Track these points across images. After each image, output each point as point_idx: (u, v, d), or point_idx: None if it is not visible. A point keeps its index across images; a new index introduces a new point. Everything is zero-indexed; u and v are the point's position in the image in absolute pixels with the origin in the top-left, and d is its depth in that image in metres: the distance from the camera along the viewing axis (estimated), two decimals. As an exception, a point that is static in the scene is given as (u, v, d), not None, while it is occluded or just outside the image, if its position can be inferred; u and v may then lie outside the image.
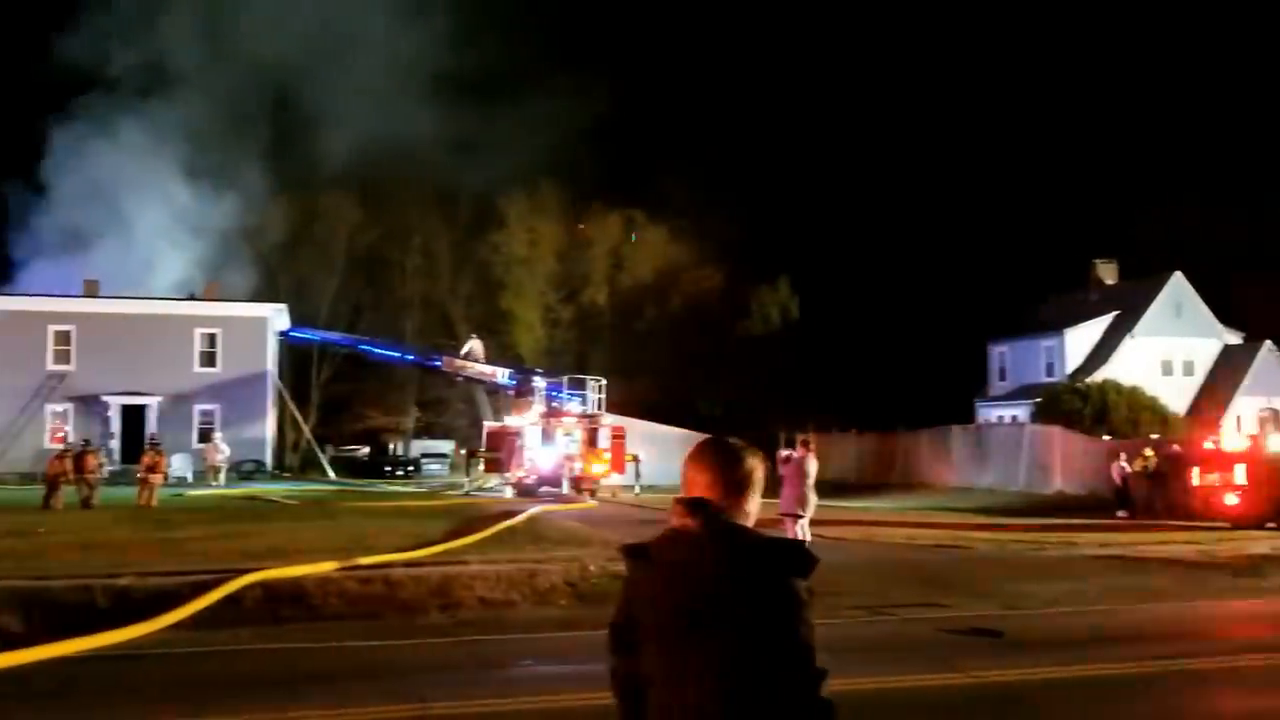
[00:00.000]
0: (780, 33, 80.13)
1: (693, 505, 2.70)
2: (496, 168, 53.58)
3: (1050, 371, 46.47)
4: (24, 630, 10.10)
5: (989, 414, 48.13)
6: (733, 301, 55.27)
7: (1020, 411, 44.36)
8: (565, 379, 34.93)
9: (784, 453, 16.89)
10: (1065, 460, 33.02)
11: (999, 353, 50.83)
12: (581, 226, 55.96)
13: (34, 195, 49.47)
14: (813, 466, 15.46)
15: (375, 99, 53.03)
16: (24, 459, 37.96)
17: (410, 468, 45.89)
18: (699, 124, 66.45)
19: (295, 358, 50.90)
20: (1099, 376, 41.96)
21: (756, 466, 2.78)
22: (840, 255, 56.62)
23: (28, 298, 42.55)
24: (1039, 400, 41.45)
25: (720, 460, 2.76)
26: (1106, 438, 33.28)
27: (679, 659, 2.59)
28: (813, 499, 15.42)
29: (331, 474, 43.22)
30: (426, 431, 56.08)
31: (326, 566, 12.76)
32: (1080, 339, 46.38)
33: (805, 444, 16.62)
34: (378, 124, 51.52)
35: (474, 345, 41.96)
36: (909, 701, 8.01)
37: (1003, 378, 50.26)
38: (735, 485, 2.73)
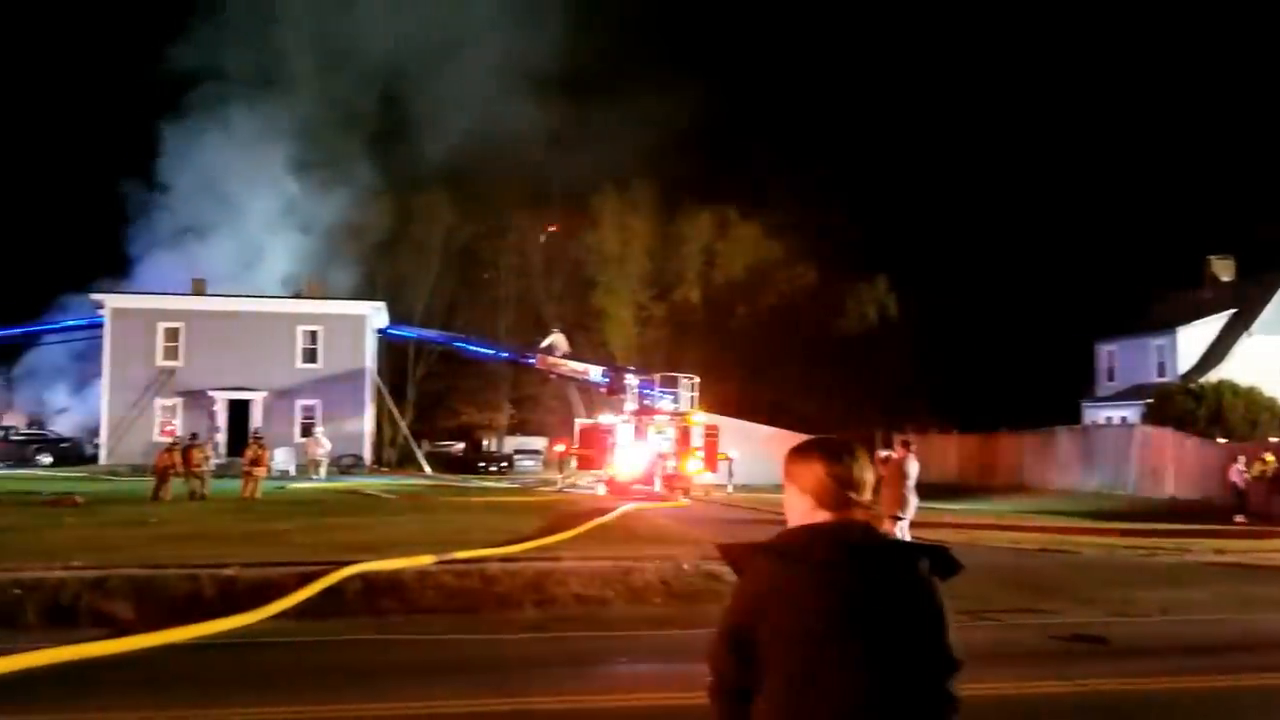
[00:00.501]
0: (875, 23, 78.96)
1: (832, 504, 2.61)
2: (589, 165, 53.88)
3: (1161, 371, 44.82)
4: (135, 617, 10.40)
5: (1097, 415, 46.65)
6: (828, 299, 54.52)
7: (1130, 413, 42.85)
8: (658, 377, 34.89)
9: (883, 453, 16.61)
10: (1178, 464, 31.83)
11: (1107, 352, 49.25)
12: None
13: (147, 194, 51.28)
14: (913, 468, 15.19)
15: (473, 98, 53.78)
16: (134, 452, 39.39)
17: (504, 464, 46.40)
18: (792, 119, 65.71)
19: (392, 354, 51.90)
20: (1213, 377, 40.31)
21: (869, 464, 2.68)
22: (941, 251, 55.40)
23: (139, 295, 44.09)
24: (1150, 401, 39.99)
25: (836, 457, 2.65)
26: (1222, 440, 31.99)
27: (824, 663, 2.48)
28: (913, 501, 15.15)
29: (427, 469, 43.90)
30: (520, 428, 56.71)
31: (424, 560, 12.86)
32: (1193, 338, 44.61)
33: (905, 445, 16.37)
34: (475, 122, 52.25)
35: (556, 338, 42.35)
36: (1011, 709, 7.74)
37: (1111, 378, 48.69)
38: (854, 483, 2.63)
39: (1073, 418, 45.63)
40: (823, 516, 2.62)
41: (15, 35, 68.06)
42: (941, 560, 2.62)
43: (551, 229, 54.69)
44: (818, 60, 74.98)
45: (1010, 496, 33.52)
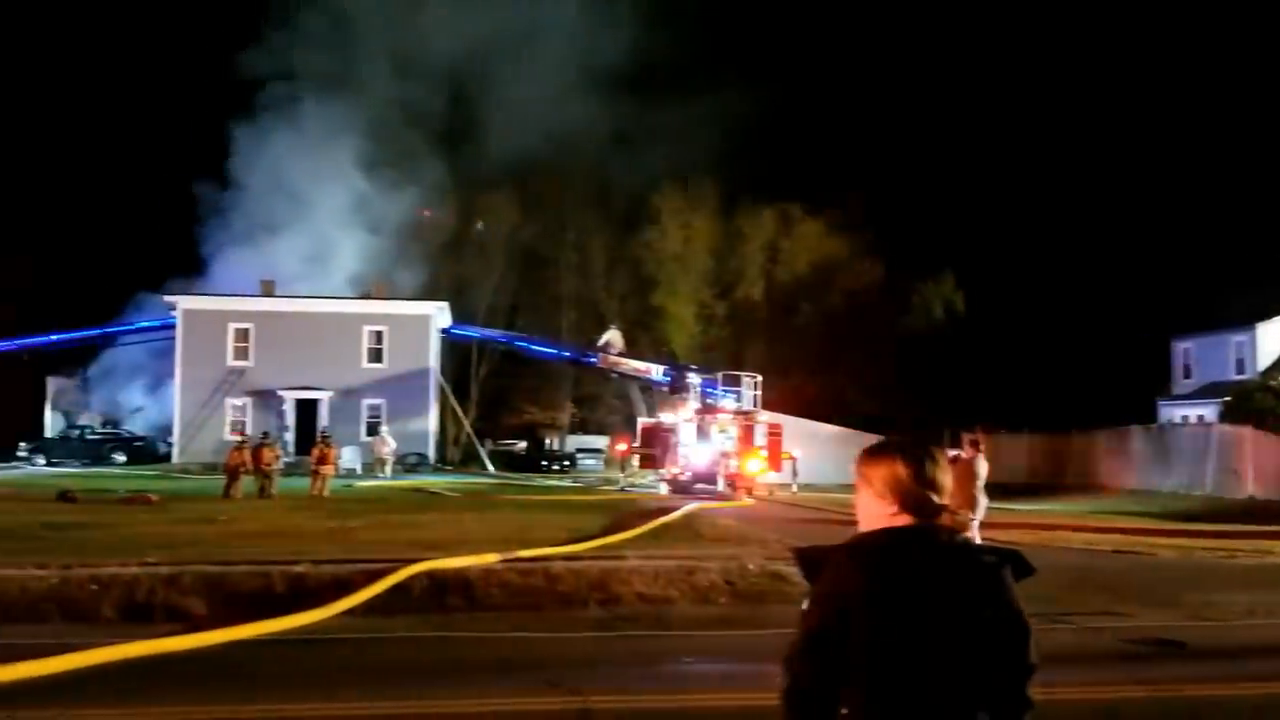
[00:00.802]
0: (941, 14, 77.88)
1: (914, 507, 2.59)
2: (651, 164, 53.89)
3: (1240, 368, 43.58)
4: (207, 613, 10.59)
5: (1172, 414, 45.52)
6: (893, 296, 53.86)
7: (1207, 411, 41.73)
8: (720, 375, 34.72)
9: (952, 453, 16.33)
10: (1257, 464, 30.92)
11: (1183, 349, 48.07)
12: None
13: (218, 195, 52.20)
14: (983, 468, 14.95)
15: (536, 97, 54.08)
16: (206, 450, 40.21)
17: (566, 462, 46.57)
18: (856, 112, 65.05)
19: (455, 354, 52.37)
20: (1294, 374, 39.15)
21: (947, 466, 2.66)
22: (1010, 246, 54.36)
23: (210, 297, 45.00)
24: (1228, 399, 38.90)
25: (916, 458, 2.62)
26: (1303, 439, 31.02)
27: (910, 668, 2.44)
28: (983, 501, 14.91)
29: (490, 467, 44.27)
30: (581, 427, 56.91)
31: (489, 558, 12.95)
32: (1273, 334, 43.29)
33: (975, 444, 16.08)
34: (538, 121, 52.51)
35: (612, 335, 42.77)
36: (1086, 713, 7.57)
37: (1188, 375, 47.52)
38: (935, 485, 2.61)
39: (1148, 416, 44.55)
40: (903, 520, 2.58)
41: (90, 38, 69.98)
42: (1015, 564, 2.61)
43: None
44: (880, 52, 74.16)
45: (1082, 497, 32.82)
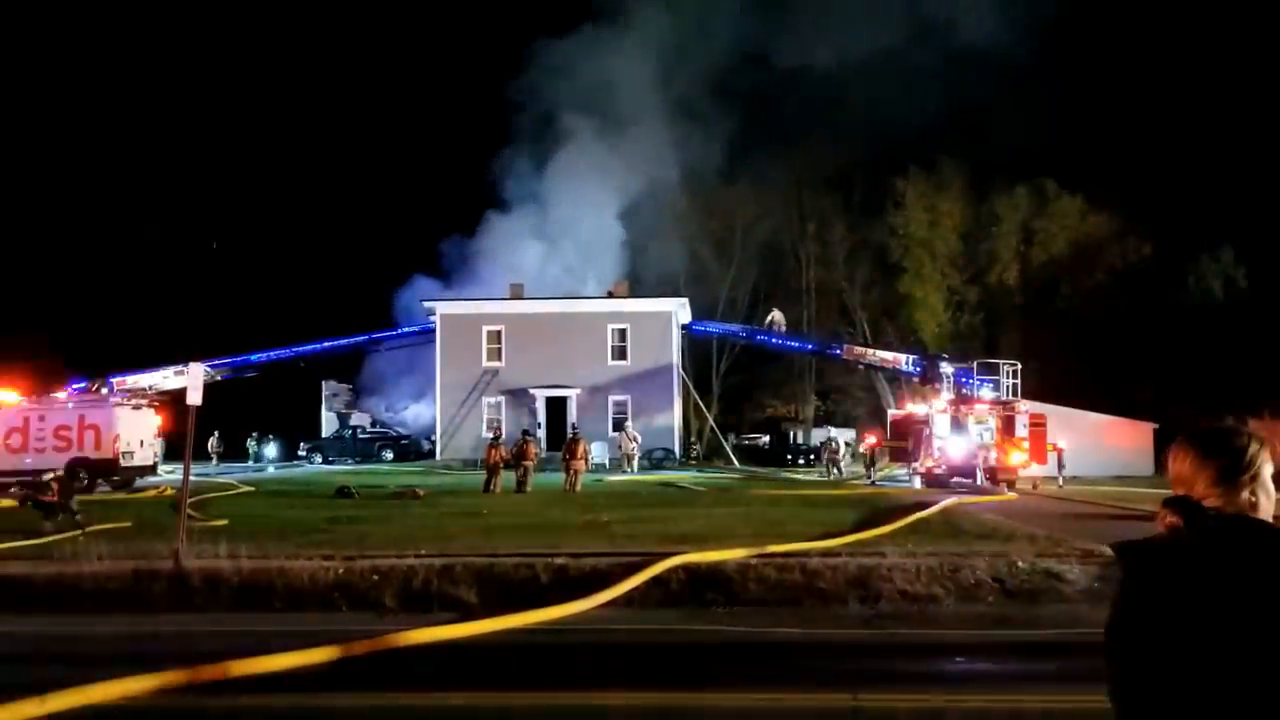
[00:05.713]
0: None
1: (1229, 497, 2.40)
2: (893, 145, 52.55)
3: None
4: (478, 602, 11.00)
5: None
6: (1165, 274, 49.85)
7: None
8: (974, 364, 33.18)
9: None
10: None
11: None
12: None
13: (476, 204, 55.10)
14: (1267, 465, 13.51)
15: (810, 80, 54.21)
16: (464, 447, 42.27)
17: (812, 456, 45.91)
18: (1114, 76, 60.52)
19: (696, 349, 52.66)
20: None
21: (1257, 451, 2.45)
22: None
23: (465, 302, 47.26)
24: None
25: (1202, 445, 2.46)
26: None
27: (1226, 669, 2.21)
28: (1273, 495, 13.44)
29: (735, 462, 44.25)
30: (827, 419, 56.00)
31: (743, 552, 12.90)
32: None
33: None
34: (804, 109, 52.48)
35: (775, 316, 43.42)
36: None
37: None
38: (1224, 472, 2.41)
39: None
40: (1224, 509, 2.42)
41: (358, 58, 75.09)
42: None
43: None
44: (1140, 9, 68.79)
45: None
